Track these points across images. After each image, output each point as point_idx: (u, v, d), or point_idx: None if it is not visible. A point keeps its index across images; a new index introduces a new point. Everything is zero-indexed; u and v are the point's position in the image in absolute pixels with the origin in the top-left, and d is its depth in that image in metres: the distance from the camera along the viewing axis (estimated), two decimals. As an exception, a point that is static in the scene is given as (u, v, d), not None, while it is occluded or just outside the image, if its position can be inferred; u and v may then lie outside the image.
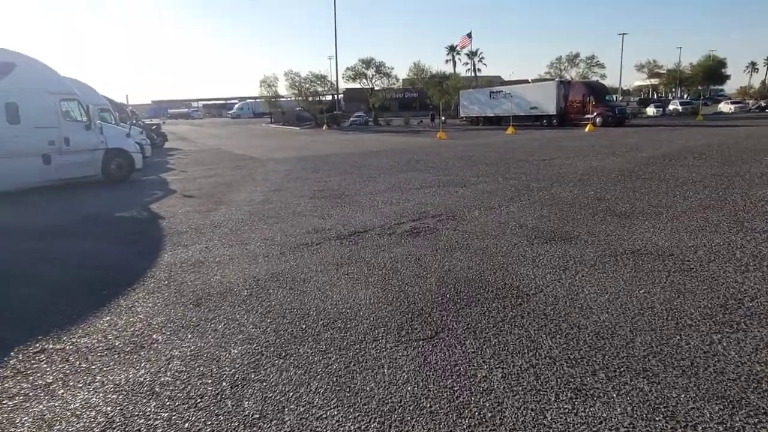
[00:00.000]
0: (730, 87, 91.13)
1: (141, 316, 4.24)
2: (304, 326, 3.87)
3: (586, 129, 31.63)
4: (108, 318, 4.23)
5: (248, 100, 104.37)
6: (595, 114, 35.86)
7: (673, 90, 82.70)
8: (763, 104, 55.93)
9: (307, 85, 57.47)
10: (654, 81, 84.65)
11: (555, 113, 39.83)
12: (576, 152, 17.59)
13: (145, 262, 5.94)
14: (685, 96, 73.57)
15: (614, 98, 46.28)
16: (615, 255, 5.40)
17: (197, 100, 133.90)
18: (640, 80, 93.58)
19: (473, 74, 73.76)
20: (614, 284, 4.52)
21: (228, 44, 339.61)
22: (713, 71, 70.99)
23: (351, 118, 57.43)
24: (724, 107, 55.47)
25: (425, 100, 60.69)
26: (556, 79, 48.86)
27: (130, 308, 4.44)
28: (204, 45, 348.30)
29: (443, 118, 42.22)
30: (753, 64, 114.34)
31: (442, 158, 17.34)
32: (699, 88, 79.65)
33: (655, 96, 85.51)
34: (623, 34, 72.45)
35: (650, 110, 54.41)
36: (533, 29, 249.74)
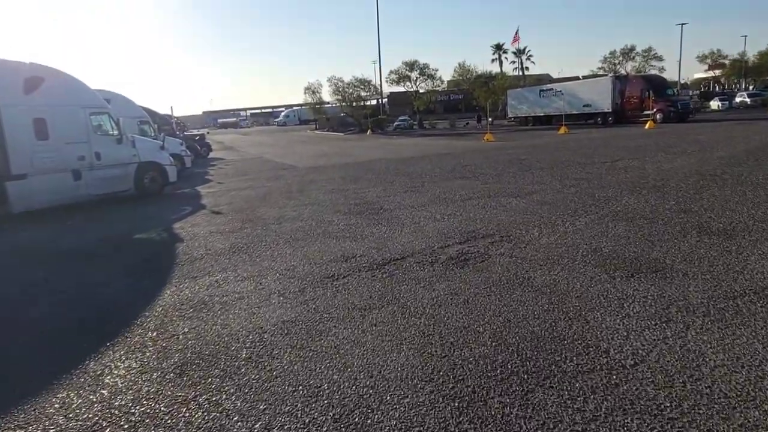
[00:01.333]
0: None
1: (104, 393, 3.26)
2: (307, 420, 2.78)
3: (646, 126, 29.38)
4: (63, 395, 3.27)
5: (294, 108, 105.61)
6: (655, 110, 33.31)
7: (736, 82, 77.46)
8: (844, 93, 51.22)
9: (351, 90, 56.90)
10: (716, 72, 79.59)
11: (610, 110, 37.42)
12: (640, 152, 15.87)
13: (141, 302, 5.03)
14: (751, 87, 68.52)
15: (675, 92, 43.18)
16: (732, 296, 4.05)
17: (245, 110, 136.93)
18: (699, 73, 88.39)
19: (521, 73, 71.45)
20: (749, 349, 3.21)
21: (274, 52, 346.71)
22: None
23: (395, 122, 56.43)
24: (799, 98, 51.06)
25: (471, 101, 58.91)
26: (611, 74, 46.27)
27: (97, 378, 3.48)
28: (251, 53, 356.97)
29: (490, 119, 40.55)
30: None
31: (491, 163, 16.00)
32: (767, 78, 74.30)
33: (717, 88, 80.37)
34: (682, 23, 67.91)
35: (714, 104, 50.81)
36: (582, 24, 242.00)
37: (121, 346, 3.98)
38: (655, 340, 3.39)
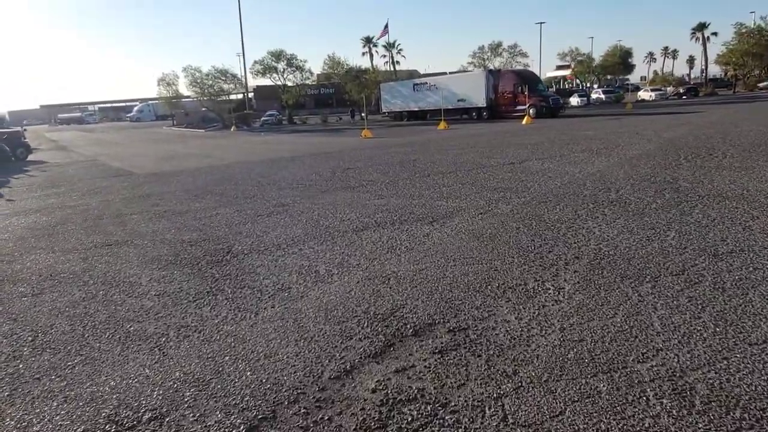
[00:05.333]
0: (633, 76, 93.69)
1: None
2: None
3: (524, 121, 28.48)
4: None
5: (149, 102, 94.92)
6: (528, 105, 32.73)
7: (583, 81, 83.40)
8: (681, 91, 56.49)
9: (210, 82, 50.89)
10: (564, 72, 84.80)
11: (485, 105, 36.58)
12: (542, 151, 13.82)
13: None
14: (595, 86, 74.20)
15: (546, 87, 43.78)
16: None
17: (94, 104, 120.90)
18: (551, 71, 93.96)
19: (391, 67, 70.05)
20: None
21: (129, 42, 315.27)
22: (622, 61, 72.09)
23: (262, 118, 51.71)
24: (645, 95, 55.26)
25: (343, 95, 55.81)
26: (484, 69, 46.03)
27: None
28: (102, 44, 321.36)
29: (364, 114, 37.91)
30: (651, 54, 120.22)
31: (379, 166, 12.96)
32: (608, 77, 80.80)
33: (567, 86, 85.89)
34: (541, 22, 71.13)
35: (574, 100, 53.00)
36: (447, 21, 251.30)
37: None
38: None
